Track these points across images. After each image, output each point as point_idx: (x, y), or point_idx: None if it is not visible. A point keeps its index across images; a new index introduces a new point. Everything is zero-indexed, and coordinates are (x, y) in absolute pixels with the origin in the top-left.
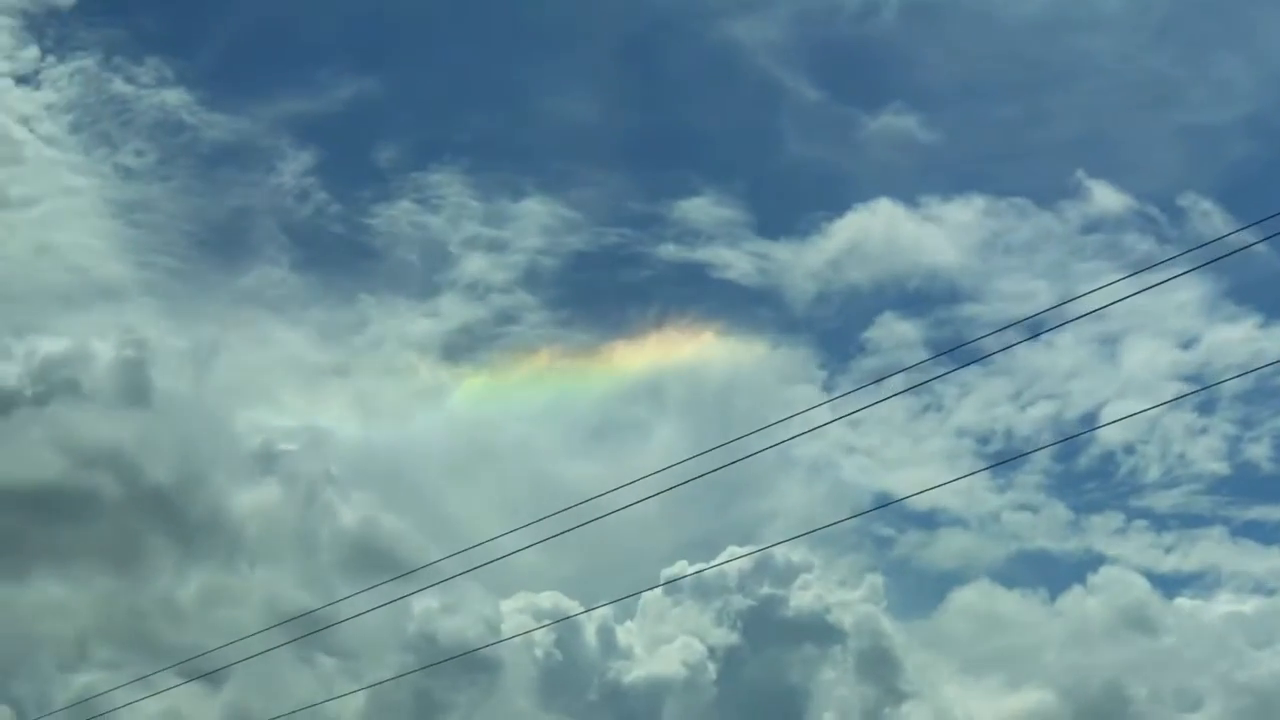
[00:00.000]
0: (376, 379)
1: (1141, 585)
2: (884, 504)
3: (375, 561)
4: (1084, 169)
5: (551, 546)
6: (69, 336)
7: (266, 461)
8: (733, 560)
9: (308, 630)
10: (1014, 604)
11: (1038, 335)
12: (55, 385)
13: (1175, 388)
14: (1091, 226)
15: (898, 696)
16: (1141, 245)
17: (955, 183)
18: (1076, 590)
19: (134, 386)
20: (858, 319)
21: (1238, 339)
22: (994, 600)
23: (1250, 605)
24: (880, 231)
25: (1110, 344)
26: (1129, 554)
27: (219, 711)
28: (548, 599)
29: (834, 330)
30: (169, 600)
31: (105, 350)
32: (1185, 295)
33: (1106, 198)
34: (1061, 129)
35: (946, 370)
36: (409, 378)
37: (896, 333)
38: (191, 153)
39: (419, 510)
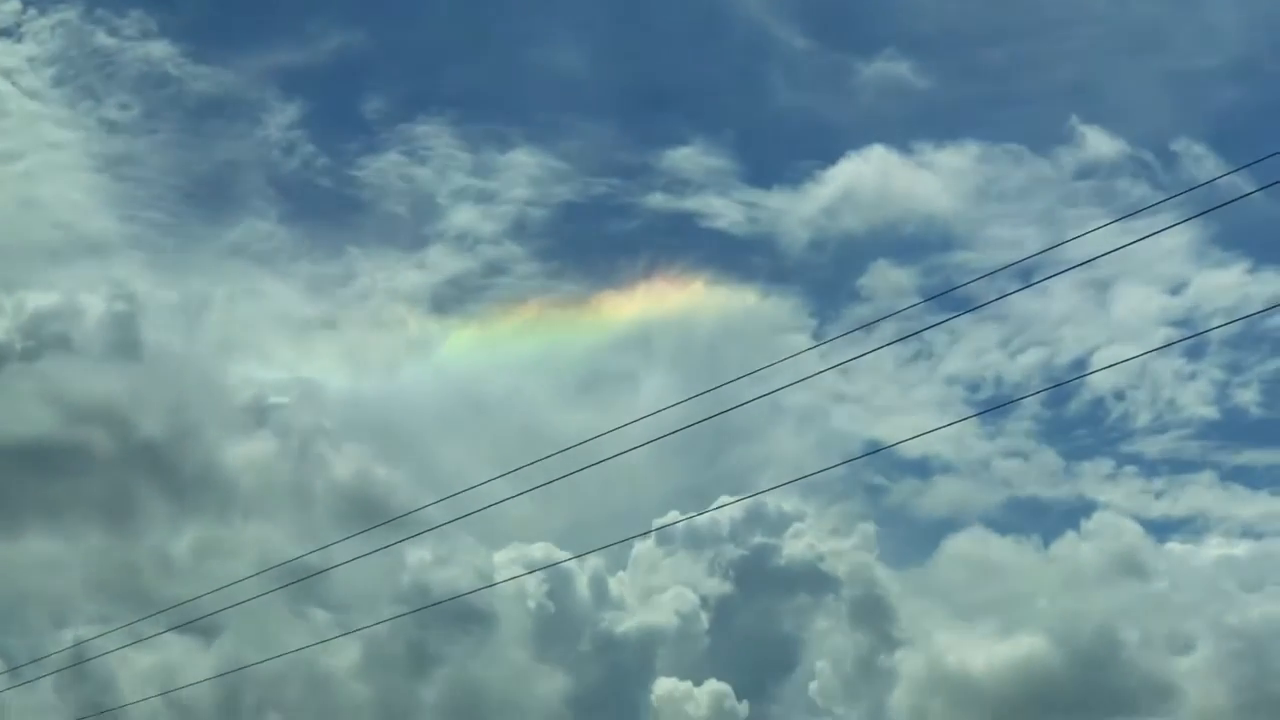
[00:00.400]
0: (365, 331)
1: (1133, 530)
2: (873, 450)
3: (367, 513)
4: (1077, 115)
5: (542, 498)
6: (57, 291)
7: (256, 415)
8: (723, 506)
9: (299, 577)
10: (1007, 550)
11: (1031, 284)
12: (45, 340)
13: (1164, 333)
14: (1085, 172)
15: (891, 644)
16: (1135, 190)
17: (949, 129)
18: (1069, 536)
19: (123, 341)
20: (849, 267)
21: (1227, 284)
22: (987, 547)
23: (1240, 549)
24: (873, 179)
25: (1100, 290)
26: (1119, 500)
27: (213, 664)
28: (540, 550)
29: (825, 279)
30: (161, 554)
31: (95, 304)
32: (1174, 241)
33: (1100, 143)
34: (1054, 75)
35: (939, 319)
36: (397, 330)
37: (889, 280)
38: (177, 106)
39: (409, 462)
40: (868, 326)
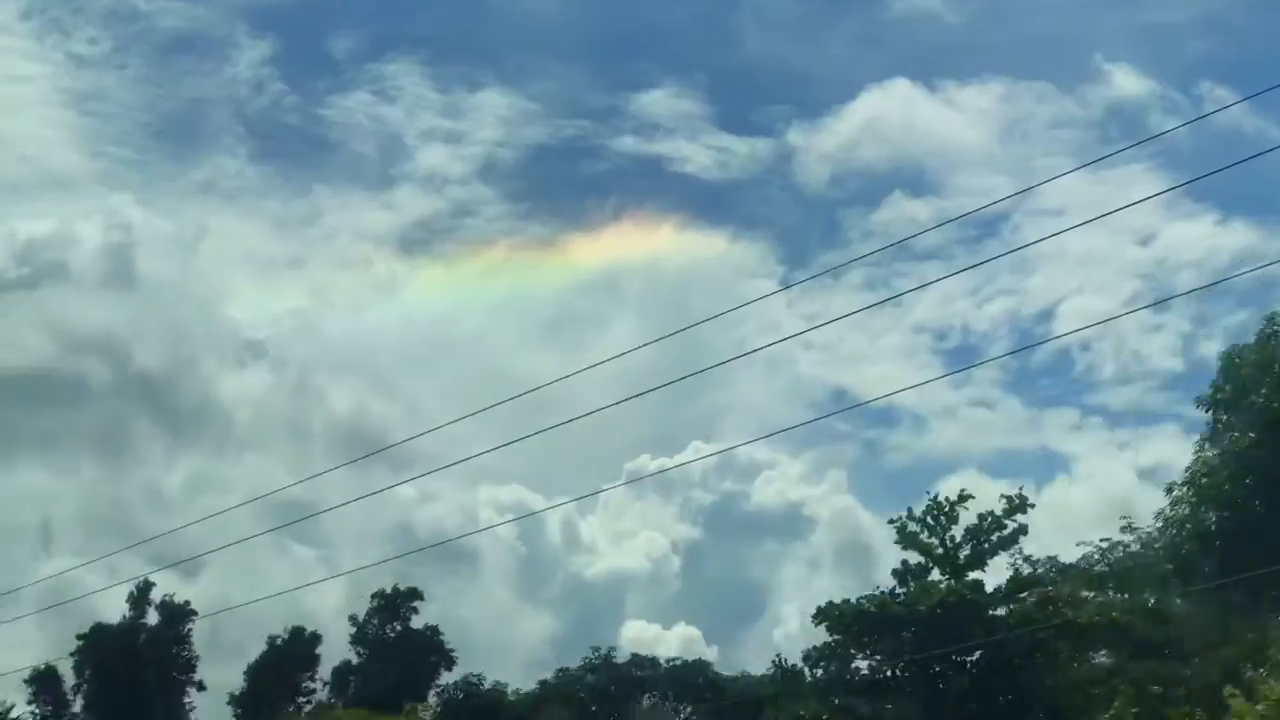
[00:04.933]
0: (331, 271)
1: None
2: (850, 406)
3: (336, 451)
4: (1102, 53)
5: (510, 438)
6: (18, 226)
7: (220, 352)
8: (702, 459)
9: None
10: (991, 494)
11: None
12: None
13: (1132, 285)
14: (1113, 112)
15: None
16: (1162, 129)
17: (974, 66)
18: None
19: (89, 273)
20: (819, 214)
21: (1196, 236)
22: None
23: None
24: (893, 116)
25: (1069, 238)
26: (1085, 450)
27: (198, 599)
28: (510, 493)
29: (793, 225)
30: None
31: (91, 234)
32: (1142, 190)
33: (1127, 83)
34: (1082, 13)
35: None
36: (364, 270)
37: (861, 225)
38: (146, 41)
39: (375, 402)
40: (834, 271)
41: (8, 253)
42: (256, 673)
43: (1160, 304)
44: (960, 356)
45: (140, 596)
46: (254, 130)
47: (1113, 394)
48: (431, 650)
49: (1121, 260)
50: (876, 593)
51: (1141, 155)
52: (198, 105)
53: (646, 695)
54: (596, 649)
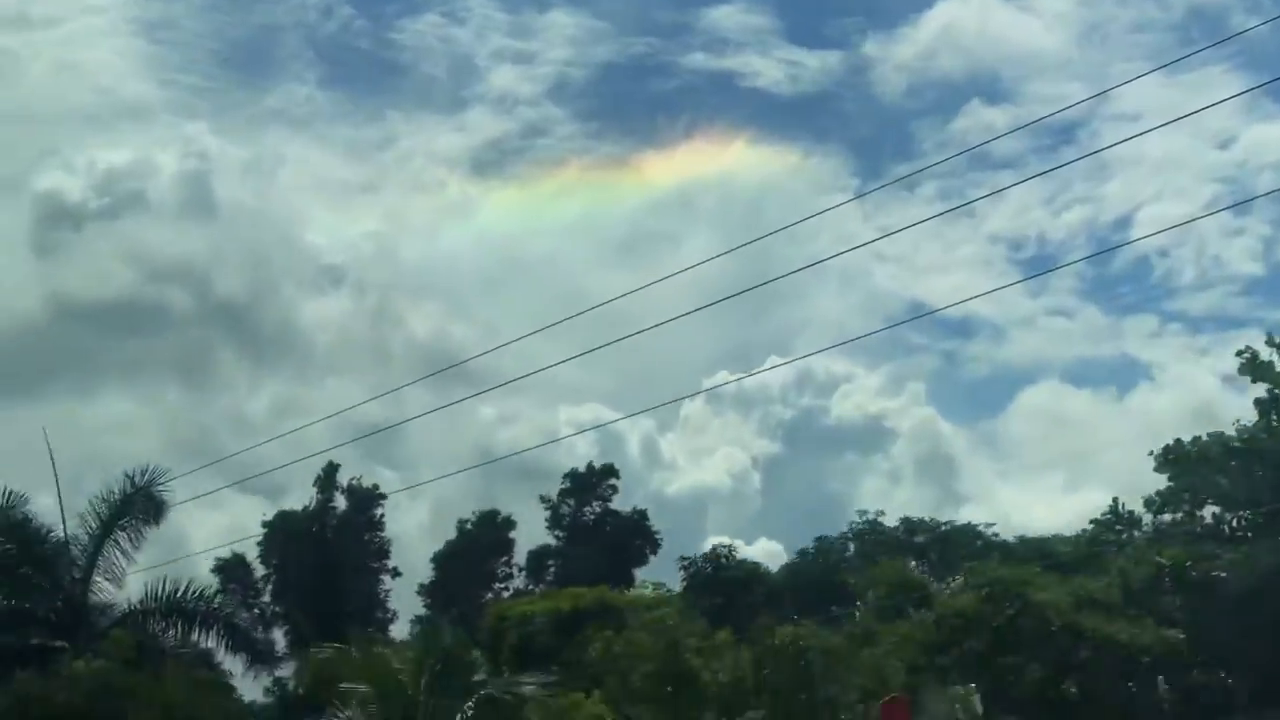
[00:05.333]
0: (406, 195)
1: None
2: (921, 314)
3: (416, 373)
4: None
5: (588, 360)
6: (98, 156)
7: (299, 277)
8: (775, 368)
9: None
10: (1079, 403)
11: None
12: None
13: (1211, 189)
14: (1194, 13)
15: (957, 499)
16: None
17: None
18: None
19: (161, 201)
20: (893, 126)
21: (1276, 137)
22: (1049, 401)
23: None
24: (969, 23)
25: (1147, 143)
26: (1164, 357)
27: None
28: (588, 411)
29: (868, 138)
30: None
31: (168, 162)
32: (1222, 93)
33: None
34: None
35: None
36: (438, 193)
37: (937, 136)
38: None
39: (453, 325)
40: (908, 181)
41: (88, 183)
42: (445, 560)
43: (1240, 205)
44: (1037, 266)
45: (327, 478)
46: (324, 56)
47: (1192, 300)
48: (636, 533)
49: (1200, 164)
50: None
51: (1221, 56)
52: (266, 31)
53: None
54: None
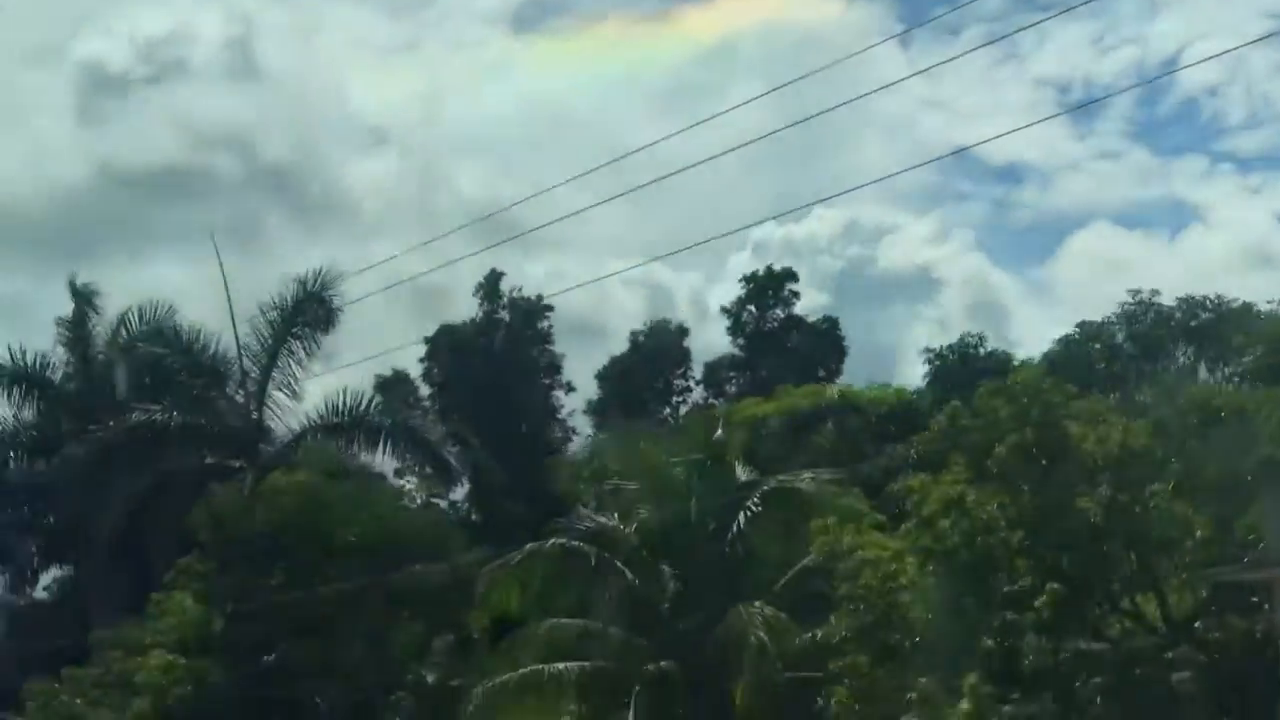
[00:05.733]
0: (447, 54)
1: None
2: (959, 149)
3: (465, 231)
4: None
5: (636, 212)
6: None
7: (344, 139)
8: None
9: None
10: (1130, 246)
11: None
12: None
13: (1264, 25)
14: None
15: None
16: None
17: None
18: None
19: (210, 67)
20: None
21: None
22: (1099, 245)
23: None
24: None
25: None
26: (1215, 198)
27: None
28: (637, 268)
29: None
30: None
31: (209, 28)
32: None
33: None
34: None
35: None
36: (479, 51)
37: None
38: None
39: (497, 180)
40: (951, 26)
41: (131, 51)
42: (615, 375)
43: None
44: (1084, 108)
45: (491, 288)
46: None
47: (1243, 139)
48: (823, 340)
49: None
50: None
51: None
52: None
53: None
54: None
